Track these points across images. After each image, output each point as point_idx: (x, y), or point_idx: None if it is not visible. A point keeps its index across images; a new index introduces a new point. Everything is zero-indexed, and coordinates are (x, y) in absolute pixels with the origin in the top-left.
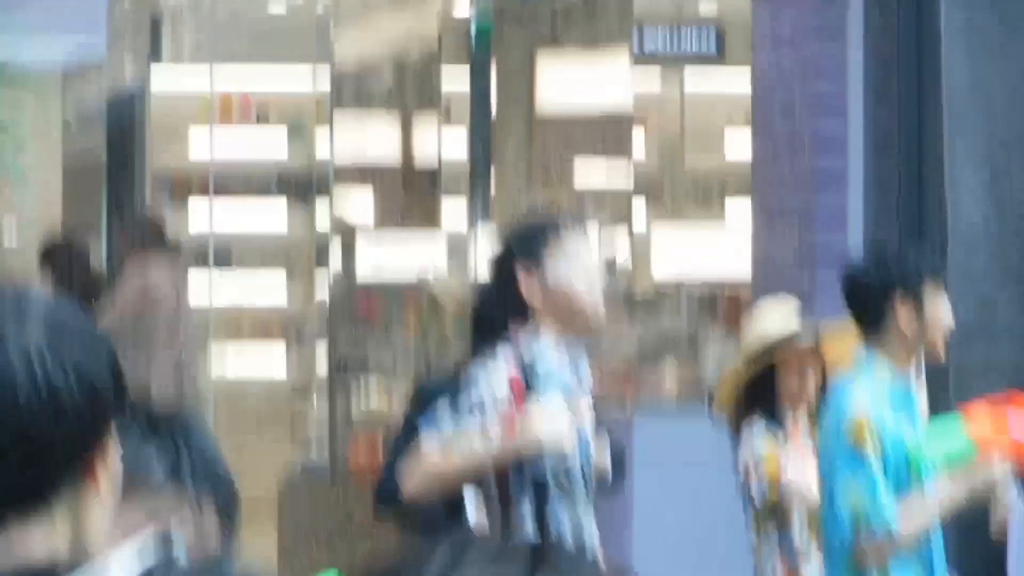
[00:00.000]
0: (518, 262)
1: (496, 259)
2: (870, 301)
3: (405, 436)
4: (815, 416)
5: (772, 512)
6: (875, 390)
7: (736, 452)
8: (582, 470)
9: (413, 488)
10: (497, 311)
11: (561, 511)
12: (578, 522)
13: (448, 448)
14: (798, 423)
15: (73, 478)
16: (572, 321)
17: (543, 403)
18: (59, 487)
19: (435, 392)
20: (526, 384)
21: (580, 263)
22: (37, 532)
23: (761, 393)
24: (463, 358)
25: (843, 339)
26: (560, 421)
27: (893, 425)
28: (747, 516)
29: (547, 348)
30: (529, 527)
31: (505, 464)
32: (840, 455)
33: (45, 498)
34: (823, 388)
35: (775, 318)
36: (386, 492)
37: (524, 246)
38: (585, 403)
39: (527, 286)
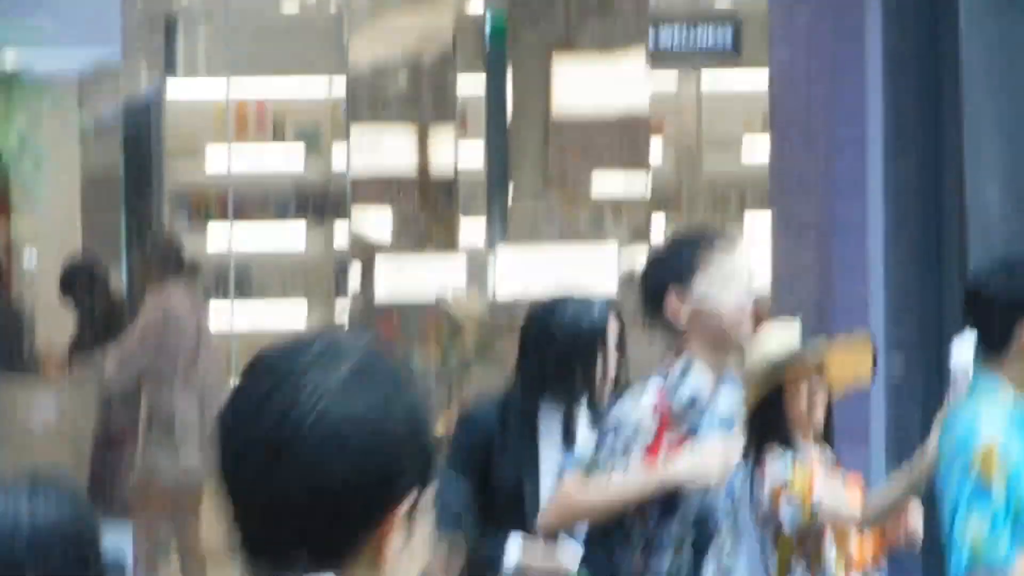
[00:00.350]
0: (669, 284)
1: (645, 282)
2: (996, 320)
3: (452, 461)
4: (821, 438)
5: (803, 539)
6: (999, 415)
7: (752, 484)
8: (728, 508)
9: (551, 520)
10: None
11: (706, 555)
12: (724, 565)
13: (590, 481)
14: (811, 449)
15: (367, 532)
16: (720, 340)
17: (694, 437)
18: (352, 540)
19: (481, 416)
20: (676, 415)
21: (729, 279)
22: None
23: (772, 421)
24: (510, 381)
25: (850, 355)
26: (710, 456)
27: (1019, 455)
28: (766, 551)
29: (698, 376)
30: (668, 567)
31: (648, 498)
32: (963, 485)
33: (336, 551)
34: (829, 408)
35: (777, 340)
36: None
37: (673, 266)
38: (737, 433)
39: (674, 307)
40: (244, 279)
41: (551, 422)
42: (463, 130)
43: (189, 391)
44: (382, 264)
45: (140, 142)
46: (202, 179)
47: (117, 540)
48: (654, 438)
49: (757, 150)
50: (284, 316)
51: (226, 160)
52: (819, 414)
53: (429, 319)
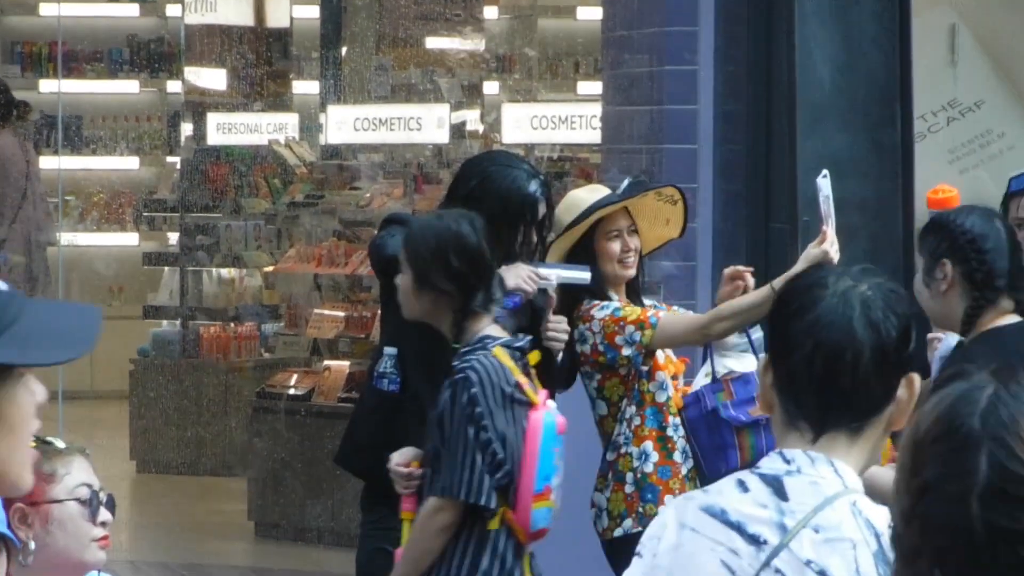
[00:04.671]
0: None
1: None
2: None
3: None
4: (639, 292)
5: (647, 359)
6: None
7: (578, 335)
8: None
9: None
10: None
11: None
12: None
13: None
14: (623, 299)
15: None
16: None
17: None
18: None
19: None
20: None
21: None
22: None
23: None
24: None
25: (661, 210)
26: None
27: None
28: (592, 387)
29: None
30: None
31: None
32: None
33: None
34: (641, 264)
35: (587, 192)
36: (346, 455)
37: None
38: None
39: None
40: (76, 127)
41: None
42: None
43: (16, 232)
44: (215, 111)
45: None
46: (35, 28)
47: None
48: None
49: (591, 13)
50: (115, 158)
51: (57, 8)
52: (630, 270)
53: (260, 165)
